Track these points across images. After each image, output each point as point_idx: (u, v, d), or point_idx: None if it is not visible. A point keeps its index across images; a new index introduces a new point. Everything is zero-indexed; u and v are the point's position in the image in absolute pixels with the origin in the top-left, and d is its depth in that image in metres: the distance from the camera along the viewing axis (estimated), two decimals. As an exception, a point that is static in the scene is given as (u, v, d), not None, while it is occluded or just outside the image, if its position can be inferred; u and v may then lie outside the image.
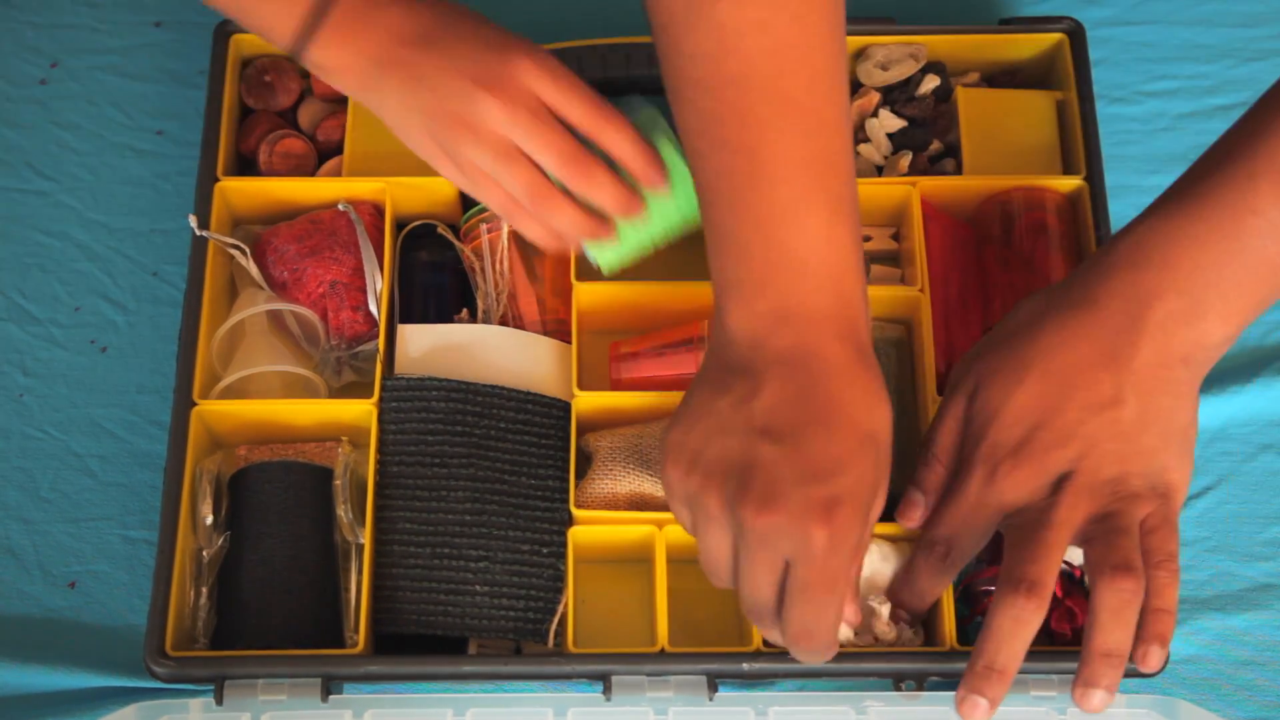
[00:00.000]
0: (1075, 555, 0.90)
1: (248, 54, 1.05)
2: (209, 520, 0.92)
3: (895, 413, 0.79)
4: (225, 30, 1.03)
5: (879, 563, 0.89)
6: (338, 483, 0.93)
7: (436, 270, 1.00)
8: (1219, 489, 0.98)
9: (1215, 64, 1.10)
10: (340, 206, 0.99)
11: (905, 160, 1.01)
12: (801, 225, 0.76)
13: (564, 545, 0.91)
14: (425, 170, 0.99)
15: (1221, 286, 0.81)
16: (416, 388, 0.93)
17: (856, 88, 1.05)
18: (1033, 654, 0.88)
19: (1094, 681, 0.81)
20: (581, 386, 0.94)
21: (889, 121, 1.03)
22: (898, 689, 0.89)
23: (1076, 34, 1.04)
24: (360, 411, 0.93)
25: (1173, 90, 1.10)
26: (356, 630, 0.90)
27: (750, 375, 0.77)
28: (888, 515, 0.83)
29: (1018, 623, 0.80)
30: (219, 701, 0.87)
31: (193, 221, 0.97)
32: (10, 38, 1.11)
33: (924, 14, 1.09)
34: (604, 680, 0.88)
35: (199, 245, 0.97)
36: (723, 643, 0.91)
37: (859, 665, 0.88)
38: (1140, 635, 0.81)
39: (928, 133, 1.03)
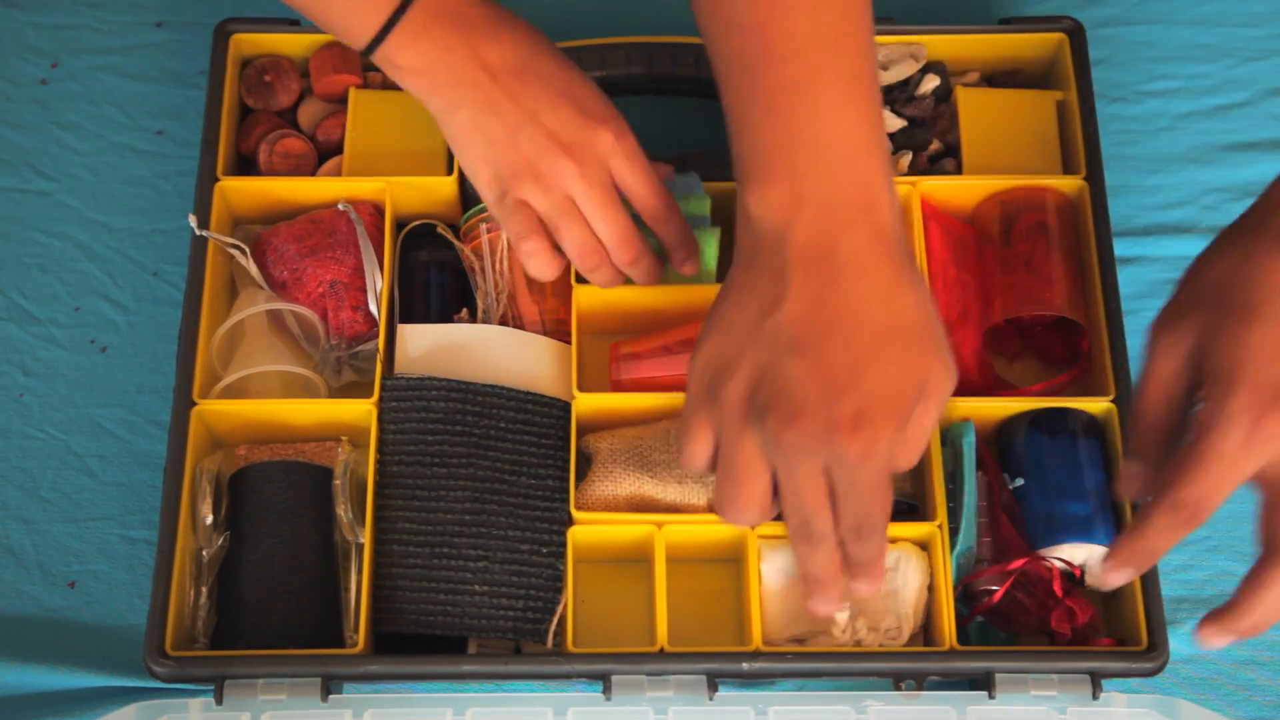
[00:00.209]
0: (1076, 554, 0.90)
1: (248, 54, 1.05)
2: (209, 520, 0.92)
3: None
4: (225, 30, 1.03)
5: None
6: (337, 482, 0.93)
7: (436, 270, 1.00)
8: (1220, 488, 0.97)
9: (1215, 64, 1.10)
10: (340, 206, 0.99)
11: (905, 160, 1.01)
12: (811, 104, 0.74)
13: (563, 545, 0.91)
14: (425, 170, 0.99)
15: None
16: (416, 387, 0.93)
17: (856, 88, 1.05)
18: (1033, 654, 0.89)
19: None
20: (581, 387, 0.94)
21: (889, 121, 1.02)
22: (898, 689, 0.89)
23: (1076, 34, 1.04)
24: (360, 411, 0.93)
25: (1173, 90, 1.09)
26: (356, 630, 0.90)
27: (774, 277, 0.75)
28: (898, 515, 0.81)
29: None
30: (219, 701, 0.87)
31: (193, 221, 0.97)
32: (11, 38, 1.11)
33: (924, 14, 1.09)
34: (604, 680, 0.88)
35: (199, 245, 0.97)
36: (723, 643, 0.91)
37: (859, 665, 0.88)
38: None
39: (928, 133, 1.03)
